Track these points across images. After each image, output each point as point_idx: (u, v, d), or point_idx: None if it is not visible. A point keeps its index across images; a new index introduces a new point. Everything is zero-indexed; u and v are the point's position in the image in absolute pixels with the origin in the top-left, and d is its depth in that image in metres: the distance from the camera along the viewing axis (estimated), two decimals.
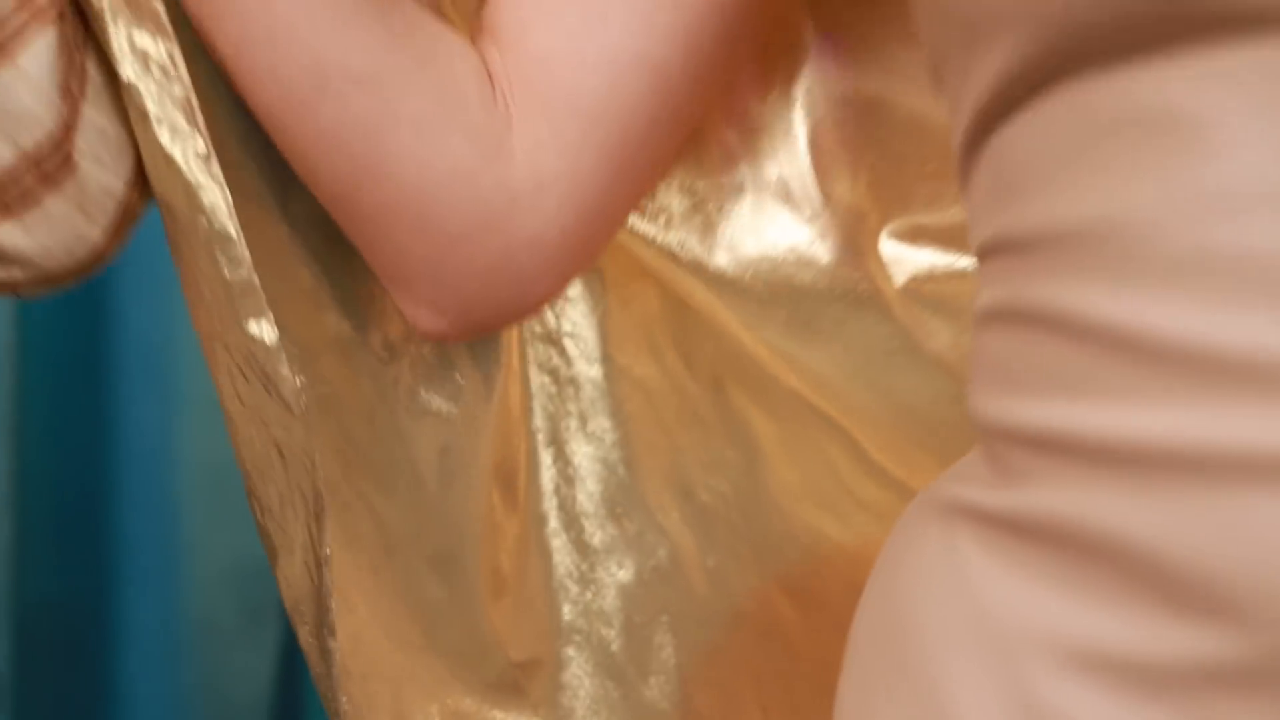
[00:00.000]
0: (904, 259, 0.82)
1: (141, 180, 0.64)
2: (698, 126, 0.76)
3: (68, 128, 0.62)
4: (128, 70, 0.63)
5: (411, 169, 0.65)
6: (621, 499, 0.84)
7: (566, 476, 0.82)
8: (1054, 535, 0.53)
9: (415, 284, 0.68)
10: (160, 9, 0.63)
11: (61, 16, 0.62)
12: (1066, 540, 0.53)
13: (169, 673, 1.34)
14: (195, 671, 1.34)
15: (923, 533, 0.59)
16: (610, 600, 0.81)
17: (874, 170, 0.81)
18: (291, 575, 0.69)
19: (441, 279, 0.68)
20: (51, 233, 0.62)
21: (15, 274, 0.61)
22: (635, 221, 0.79)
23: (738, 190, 0.82)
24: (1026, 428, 0.55)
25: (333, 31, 0.63)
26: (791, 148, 0.81)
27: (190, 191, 0.64)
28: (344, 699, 0.71)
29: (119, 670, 1.34)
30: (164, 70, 0.64)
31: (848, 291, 0.82)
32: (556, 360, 0.82)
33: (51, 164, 0.62)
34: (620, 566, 0.82)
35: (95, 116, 0.63)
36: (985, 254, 0.57)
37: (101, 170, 0.63)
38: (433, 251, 0.67)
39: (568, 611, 0.81)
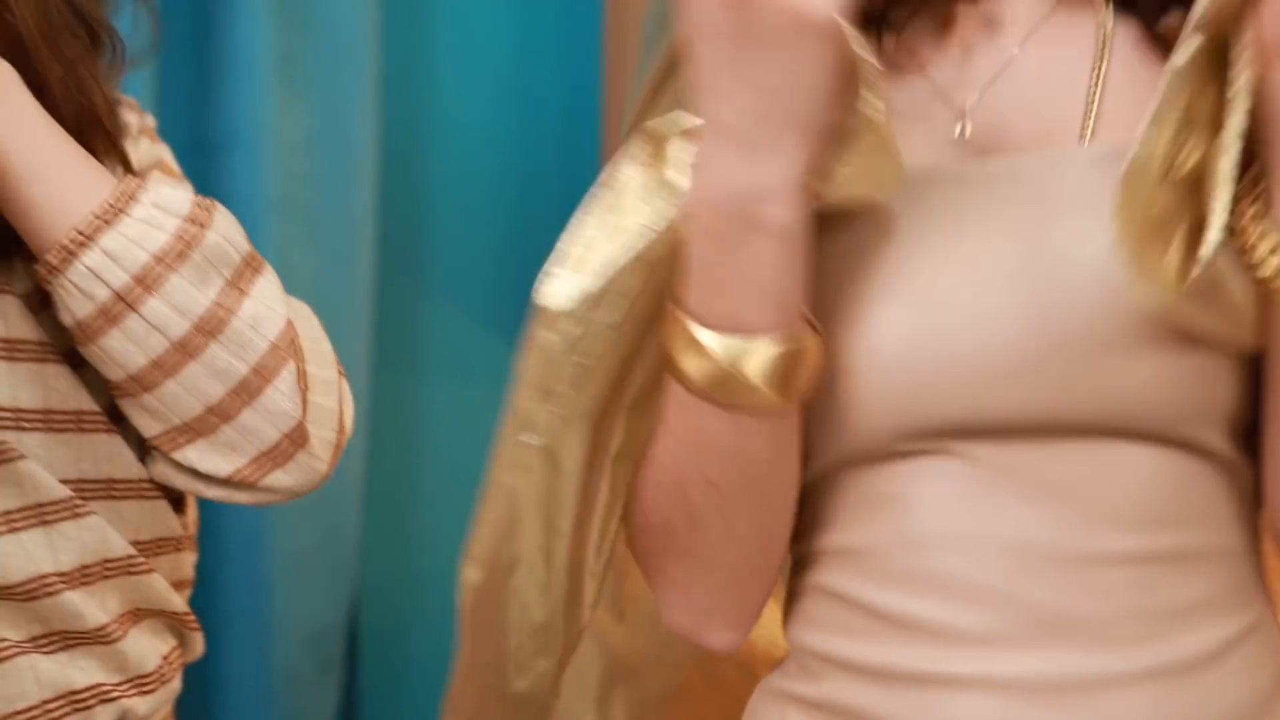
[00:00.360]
0: None
1: (342, 424, 0.85)
2: None
3: (303, 412, 0.84)
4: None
5: (782, 536, 0.79)
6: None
7: None
8: (838, 711, 0.77)
9: (746, 619, 0.80)
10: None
11: (291, 354, 0.83)
12: (844, 714, 0.76)
13: (260, 712, 1.44)
14: (279, 710, 1.45)
15: (765, 709, 0.82)
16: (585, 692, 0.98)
17: None
18: None
19: (759, 609, 0.81)
20: (300, 473, 0.85)
21: (279, 499, 0.85)
22: None
23: None
24: (818, 649, 0.79)
25: (773, 437, 0.76)
26: None
27: None
28: None
29: (221, 710, 1.44)
30: None
31: None
32: None
33: (297, 435, 0.85)
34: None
35: (314, 398, 0.85)
36: (797, 551, 0.82)
37: (322, 429, 0.85)
38: (766, 593, 0.81)
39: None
